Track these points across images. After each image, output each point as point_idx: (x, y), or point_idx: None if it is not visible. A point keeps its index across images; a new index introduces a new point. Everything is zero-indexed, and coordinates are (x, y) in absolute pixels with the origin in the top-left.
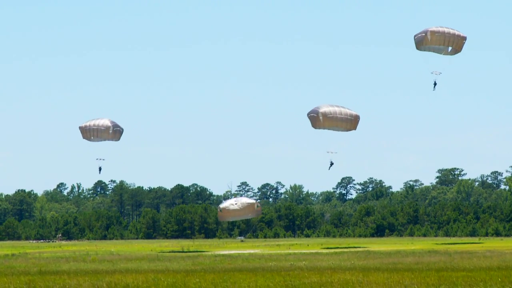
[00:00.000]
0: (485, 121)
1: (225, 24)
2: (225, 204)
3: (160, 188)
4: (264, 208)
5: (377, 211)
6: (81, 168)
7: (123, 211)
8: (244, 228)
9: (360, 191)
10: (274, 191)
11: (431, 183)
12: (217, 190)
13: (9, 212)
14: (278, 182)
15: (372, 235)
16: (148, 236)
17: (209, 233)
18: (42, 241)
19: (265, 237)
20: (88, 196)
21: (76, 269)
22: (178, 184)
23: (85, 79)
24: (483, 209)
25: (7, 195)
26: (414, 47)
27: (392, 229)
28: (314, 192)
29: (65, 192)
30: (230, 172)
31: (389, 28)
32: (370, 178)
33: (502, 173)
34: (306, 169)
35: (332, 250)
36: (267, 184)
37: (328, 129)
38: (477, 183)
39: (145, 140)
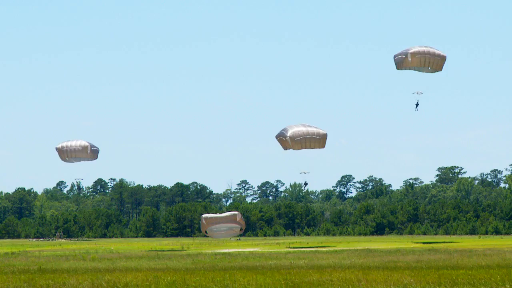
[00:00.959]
0: (485, 119)
1: (226, 23)
2: (207, 215)
3: (160, 186)
4: (264, 207)
5: (377, 209)
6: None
7: (123, 209)
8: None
9: (360, 189)
10: (274, 189)
11: (431, 181)
12: (217, 188)
13: (9, 210)
14: (278, 181)
15: (372, 234)
16: (148, 234)
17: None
18: (42, 239)
19: (265, 235)
20: (88, 194)
21: (76, 267)
22: (178, 182)
23: (85, 77)
24: (483, 207)
25: (7, 193)
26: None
27: (392, 227)
28: (314, 191)
29: (64, 191)
30: (230, 170)
31: (388, 26)
32: (370, 176)
33: (502, 171)
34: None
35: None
36: (267, 182)
37: (298, 150)
38: (477, 181)
39: (145, 138)
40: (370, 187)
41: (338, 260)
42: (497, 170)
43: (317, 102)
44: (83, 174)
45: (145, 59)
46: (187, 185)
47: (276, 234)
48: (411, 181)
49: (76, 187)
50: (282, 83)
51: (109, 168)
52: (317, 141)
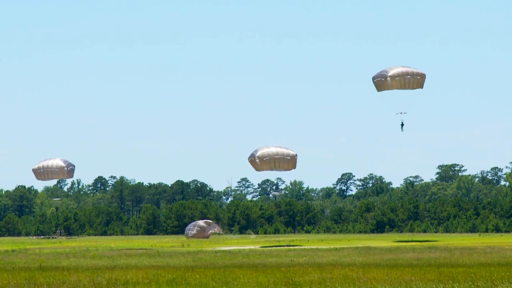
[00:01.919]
0: (486, 117)
1: (226, 21)
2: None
3: (160, 184)
4: (264, 204)
5: (377, 207)
6: (81, 164)
7: (123, 207)
8: (244, 224)
9: (360, 187)
10: (274, 187)
11: (431, 179)
12: (217, 186)
13: (9, 208)
14: (278, 178)
15: (372, 231)
16: (148, 232)
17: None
18: (42, 237)
19: (265, 233)
20: (88, 192)
21: (76, 265)
22: (178, 180)
23: (85, 75)
24: (483, 205)
25: (7, 191)
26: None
27: (392, 225)
28: (314, 188)
29: (65, 188)
30: (230, 168)
31: (387, 24)
32: (370, 174)
33: (502, 169)
34: (306, 165)
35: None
36: (267, 180)
37: (269, 170)
38: (477, 179)
39: (145, 136)
40: (371, 185)
41: (338, 258)
42: (497, 167)
43: (317, 100)
44: (83, 171)
45: (145, 57)
46: (187, 182)
47: (276, 231)
48: (411, 179)
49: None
50: (282, 81)
51: (110, 166)
52: (287, 161)
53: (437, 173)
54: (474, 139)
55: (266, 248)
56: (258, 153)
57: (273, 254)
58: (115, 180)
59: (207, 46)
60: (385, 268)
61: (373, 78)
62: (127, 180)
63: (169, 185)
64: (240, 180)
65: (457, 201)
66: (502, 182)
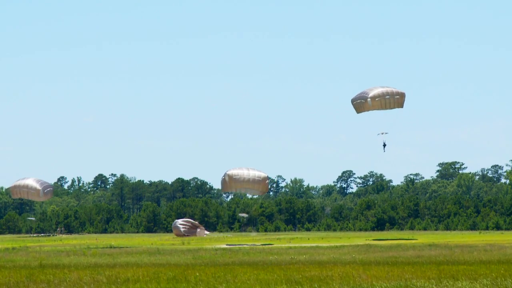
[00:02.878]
0: (486, 114)
1: (226, 19)
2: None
3: (160, 182)
4: (265, 202)
5: (378, 204)
6: (82, 162)
7: (123, 204)
8: (245, 221)
9: (361, 185)
10: (274, 185)
11: (431, 176)
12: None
13: (9, 205)
14: (279, 176)
15: (372, 229)
16: (149, 229)
17: (209, 227)
18: (42, 234)
19: (265, 230)
20: (89, 189)
21: (77, 263)
22: (179, 178)
23: (85, 72)
24: (484, 202)
25: (8, 188)
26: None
27: (393, 222)
28: (315, 186)
29: (65, 186)
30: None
31: (388, 21)
32: (371, 171)
33: (503, 166)
34: (307, 162)
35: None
36: (268, 178)
37: (239, 191)
38: (477, 177)
39: (146, 134)
40: (371, 183)
41: (338, 256)
42: (497, 165)
43: (317, 98)
44: (83, 169)
45: (146, 55)
46: (187, 180)
47: (277, 229)
48: (411, 176)
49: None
50: (283, 78)
51: (110, 164)
52: (257, 183)
53: (438, 170)
54: (474, 137)
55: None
56: (229, 172)
57: (273, 252)
58: (115, 177)
59: (207, 44)
60: (385, 266)
61: (352, 101)
62: (127, 177)
63: (170, 183)
64: None
65: (458, 199)
66: (503, 180)
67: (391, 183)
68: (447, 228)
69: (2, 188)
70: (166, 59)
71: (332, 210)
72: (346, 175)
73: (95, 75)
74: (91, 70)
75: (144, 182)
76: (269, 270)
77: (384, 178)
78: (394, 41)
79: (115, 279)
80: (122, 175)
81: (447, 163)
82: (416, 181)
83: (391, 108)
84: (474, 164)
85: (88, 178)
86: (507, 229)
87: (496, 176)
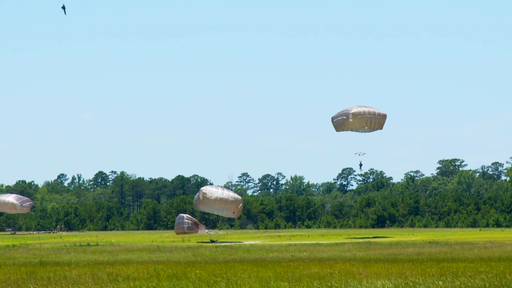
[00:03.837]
0: (486, 111)
1: (228, 15)
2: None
3: (161, 179)
4: (265, 199)
5: (378, 202)
6: (82, 159)
7: (123, 202)
8: (245, 219)
9: (361, 182)
10: (274, 182)
11: (431, 174)
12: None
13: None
14: (279, 173)
15: (372, 226)
16: (149, 227)
17: (209, 224)
18: (43, 232)
19: (265, 228)
20: (89, 187)
21: (77, 260)
22: (179, 175)
23: (85, 70)
24: (484, 200)
25: (8, 186)
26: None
27: (393, 220)
28: (315, 183)
29: (65, 183)
30: (231, 163)
31: (387, 18)
32: (371, 169)
33: (503, 164)
34: (307, 160)
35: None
36: (268, 175)
37: (211, 210)
38: (477, 174)
39: (146, 131)
40: (371, 180)
41: (339, 253)
42: (498, 162)
43: (317, 95)
44: (84, 166)
45: (146, 52)
46: (188, 177)
47: (277, 226)
48: (412, 173)
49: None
50: (283, 75)
51: (110, 161)
52: (231, 203)
53: (438, 168)
54: (474, 134)
55: (267, 243)
56: (204, 189)
57: (273, 249)
58: (115, 175)
59: (207, 41)
60: (385, 263)
61: (333, 118)
62: (127, 175)
63: (170, 180)
64: (240, 175)
65: (458, 196)
66: (503, 177)
67: (391, 181)
68: (447, 225)
69: (2, 185)
70: (166, 57)
71: (332, 207)
72: (346, 172)
73: (95, 72)
74: (91, 68)
75: (145, 179)
76: (270, 267)
77: (384, 175)
78: (393, 38)
79: (116, 277)
80: (122, 172)
81: (447, 160)
82: (416, 178)
83: (371, 129)
84: (474, 161)
85: (88, 175)
86: (507, 226)
87: (496, 173)
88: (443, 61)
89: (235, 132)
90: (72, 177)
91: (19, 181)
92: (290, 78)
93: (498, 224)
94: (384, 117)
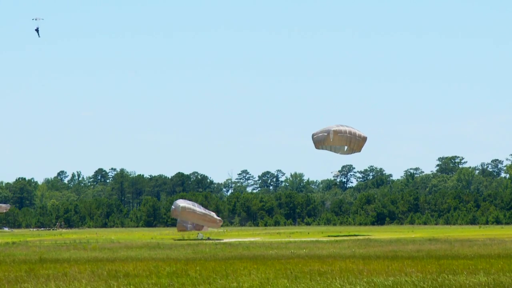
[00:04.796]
0: (486, 109)
1: (230, 13)
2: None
3: (160, 176)
4: (265, 196)
5: (378, 199)
6: (82, 156)
7: (123, 199)
8: (245, 216)
9: (361, 179)
10: (274, 179)
11: (431, 171)
12: (217, 178)
13: (9, 200)
14: (279, 170)
15: (372, 223)
16: (149, 224)
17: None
18: (42, 229)
19: (265, 225)
20: (89, 184)
21: (77, 257)
22: (179, 172)
23: (85, 66)
24: (484, 197)
25: (8, 183)
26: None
27: (393, 217)
28: (315, 180)
29: (65, 180)
30: (231, 160)
31: (388, 15)
32: (371, 166)
33: (503, 161)
34: (307, 157)
35: (329, 238)
36: (268, 172)
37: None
38: (477, 171)
39: (146, 128)
40: (371, 177)
41: (338, 250)
42: (497, 160)
43: (317, 92)
44: (83, 164)
45: (145, 48)
46: (187, 174)
47: (276, 224)
48: (411, 171)
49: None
50: (282, 73)
51: (110, 158)
52: (210, 220)
53: (438, 165)
54: (474, 131)
55: (267, 240)
56: (180, 201)
57: (273, 246)
58: (115, 172)
59: (207, 38)
60: (385, 260)
61: (313, 135)
62: (127, 172)
63: (170, 177)
64: (240, 172)
65: (458, 193)
66: (503, 174)
67: (391, 178)
68: (447, 222)
69: (2, 182)
70: (166, 54)
71: (332, 204)
72: (346, 170)
73: (94, 69)
74: (91, 64)
75: (144, 176)
76: (269, 264)
77: (384, 172)
78: (394, 35)
79: (115, 274)
80: (122, 170)
81: (447, 157)
82: (416, 175)
83: (350, 150)
84: (474, 158)
85: (88, 172)
86: (507, 223)
87: (496, 170)
88: (443, 58)
89: (235, 129)
90: (72, 174)
91: (19, 178)
92: (289, 75)
93: (497, 221)
94: (364, 139)
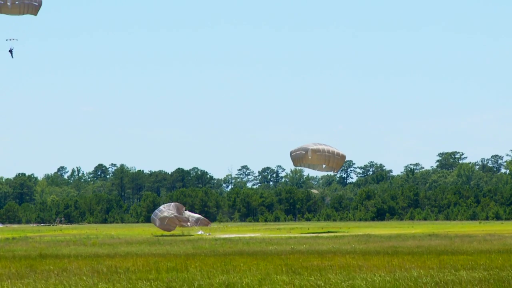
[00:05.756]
0: (486, 104)
1: (228, 7)
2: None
3: (160, 172)
4: (265, 192)
5: (378, 194)
6: (82, 152)
7: (123, 194)
8: (245, 211)
9: (361, 175)
10: (274, 175)
11: (431, 166)
12: (217, 173)
13: (9, 195)
14: (279, 166)
15: (372, 219)
16: (149, 219)
17: (209, 217)
18: (42, 224)
19: (265, 221)
20: (89, 179)
21: (77, 253)
22: (179, 168)
23: (85, 62)
24: (484, 192)
25: (8, 178)
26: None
27: (393, 212)
28: (315, 176)
29: (65, 176)
30: (231, 156)
31: (386, 10)
32: (371, 161)
33: (503, 156)
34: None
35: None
36: (268, 168)
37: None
38: (477, 167)
39: (146, 124)
40: (371, 173)
41: (338, 246)
42: (497, 155)
43: (317, 88)
44: (83, 159)
45: (145, 43)
46: (187, 170)
47: (276, 219)
48: (411, 166)
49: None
50: (282, 68)
51: (110, 154)
52: (182, 220)
53: (438, 160)
54: (474, 127)
55: (267, 236)
56: (160, 211)
57: (273, 242)
58: (115, 167)
59: (207, 33)
60: (385, 256)
61: (291, 152)
62: (127, 167)
63: (170, 172)
64: (240, 167)
65: (458, 189)
66: (503, 170)
67: (391, 173)
68: (447, 218)
69: (2, 178)
70: (166, 49)
71: (332, 200)
72: (346, 165)
73: (95, 64)
74: (90, 60)
75: (144, 172)
76: (269, 260)
77: (384, 168)
78: (393, 30)
79: (115, 269)
80: (122, 165)
81: (447, 153)
82: (416, 171)
83: (329, 168)
84: (474, 154)
85: (88, 168)
86: (507, 219)
87: (496, 166)
88: (443, 53)
89: (235, 125)
90: (72, 170)
91: (19, 174)
92: (289, 71)
93: (497, 217)
94: (342, 158)
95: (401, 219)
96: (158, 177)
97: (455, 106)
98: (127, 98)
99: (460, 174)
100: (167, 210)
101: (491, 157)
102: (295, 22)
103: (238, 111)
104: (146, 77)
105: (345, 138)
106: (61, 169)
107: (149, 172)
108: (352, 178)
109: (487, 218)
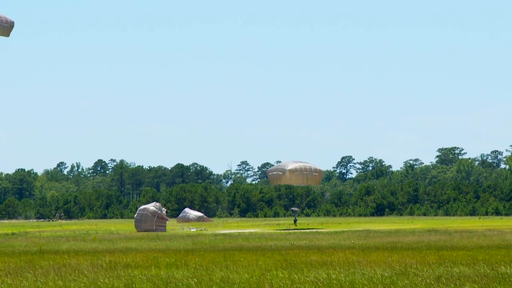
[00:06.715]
0: (486, 100)
1: (228, 5)
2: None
3: (160, 167)
4: (264, 188)
5: (377, 190)
6: (81, 147)
7: (123, 190)
8: (245, 207)
9: (360, 170)
10: None
11: (431, 162)
12: (217, 169)
13: (9, 191)
14: (278, 161)
15: (372, 214)
16: None
17: (209, 212)
18: (42, 220)
19: (265, 216)
20: (88, 175)
21: (76, 248)
22: (178, 163)
23: (84, 57)
24: (483, 188)
25: (7, 174)
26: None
27: (392, 208)
28: None
29: (65, 171)
30: (230, 151)
31: (384, 7)
32: (370, 157)
33: (502, 152)
34: (306, 148)
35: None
36: (267, 163)
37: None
38: (477, 162)
39: (145, 119)
40: (370, 168)
41: (338, 241)
42: (497, 151)
43: (317, 83)
44: (83, 155)
45: (144, 39)
46: (187, 166)
47: (276, 215)
48: (411, 162)
49: None
50: (282, 64)
51: (110, 149)
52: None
53: (437, 156)
54: (474, 122)
55: (266, 231)
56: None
57: (273, 237)
58: (115, 163)
59: (207, 29)
60: (385, 251)
61: (268, 172)
62: (127, 163)
63: (169, 168)
64: (240, 163)
65: (457, 184)
66: (502, 165)
67: (390, 169)
68: (447, 213)
69: (1, 173)
70: (165, 45)
71: (332, 195)
72: (346, 161)
73: (93, 59)
74: (90, 55)
75: (144, 167)
76: (269, 255)
77: (383, 163)
78: (393, 26)
79: (115, 265)
80: (121, 161)
81: (446, 148)
82: (415, 166)
83: (307, 185)
84: (473, 149)
85: (87, 163)
86: (506, 214)
87: (495, 161)
88: (443, 49)
89: (234, 120)
90: (72, 165)
91: (19, 169)
92: (289, 66)
93: (497, 212)
94: (320, 173)
95: (401, 215)
96: (158, 172)
97: (455, 102)
98: (126, 94)
99: (459, 169)
100: (149, 220)
101: (491, 152)
102: (294, 18)
103: (238, 106)
104: (146, 72)
105: (345, 133)
106: (61, 164)
107: (148, 168)
108: (351, 173)
109: (486, 214)
